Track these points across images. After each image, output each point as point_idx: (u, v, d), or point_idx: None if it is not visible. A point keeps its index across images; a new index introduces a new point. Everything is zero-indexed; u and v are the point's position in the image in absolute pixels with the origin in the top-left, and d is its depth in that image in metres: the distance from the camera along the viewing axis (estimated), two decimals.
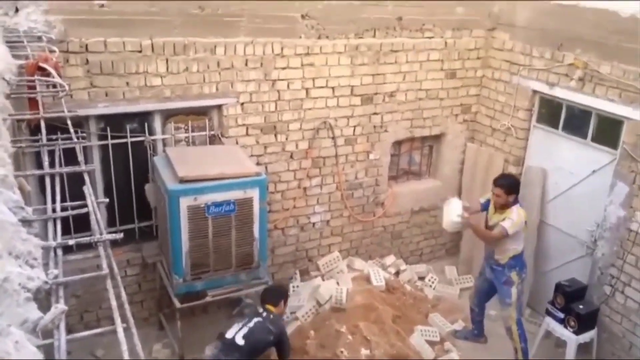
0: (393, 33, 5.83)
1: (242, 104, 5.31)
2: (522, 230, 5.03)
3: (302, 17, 5.32)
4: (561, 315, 5.29)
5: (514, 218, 4.91)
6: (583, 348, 5.29)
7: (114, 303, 2.36)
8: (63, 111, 3.24)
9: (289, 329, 5.05)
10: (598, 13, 5.22)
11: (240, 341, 4.08)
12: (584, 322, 5.18)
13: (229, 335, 4.15)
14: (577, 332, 5.17)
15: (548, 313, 5.43)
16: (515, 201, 5.01)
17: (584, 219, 5.53)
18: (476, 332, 5.70)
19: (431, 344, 5.38)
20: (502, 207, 5.00)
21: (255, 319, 4.24)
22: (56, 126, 3.83)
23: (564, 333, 5.26)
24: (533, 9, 5.86)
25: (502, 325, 5.35)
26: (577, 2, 5.44)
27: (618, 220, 5.13)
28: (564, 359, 5.24)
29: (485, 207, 5.24)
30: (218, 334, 4.27)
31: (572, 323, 5.19)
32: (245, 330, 4.14)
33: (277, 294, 4.55)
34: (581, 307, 5.22)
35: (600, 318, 5.31)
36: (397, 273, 6.40)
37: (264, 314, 4.31)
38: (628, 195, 5.03)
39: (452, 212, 5.11)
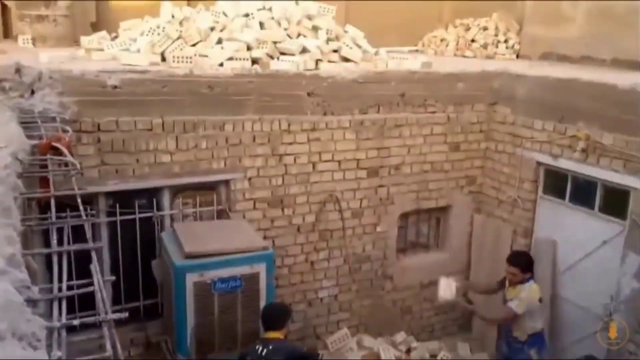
0: (396, 108, 5.97)
1: (250, 178, 5.37)
2: (537, 307, 4.93)
3: (308, 94, 5.48)
4: None
5: (522, 297, 4.84)
6: None
7: None
8: (73, 189, 3.28)
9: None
10: (597, 86, 5.34)
11: None
12: None
13: None
14: None
15: None
16: (531, 277, 4.94)
17: (598, 291, 5.40)
18: None
19: None
20: (518, 284, 4.93)
21: None
22: (65, 203, 3.88)
23: None
24: (532, 84, 6.01)
25: None
26: (576, 77, 5.59)
27: (632, 292, 5.01)
28: None
29: (501, 285, 5.18)
30: None
31: None
32: None
33: (280, 316, 4.25)
34: None
35: None
36: (409, 351, 6.20)
37: (265, 352, 3.98)
38: None
39: (446, 289, 5.13)
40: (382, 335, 6.33)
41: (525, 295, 4.82)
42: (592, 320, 5.49)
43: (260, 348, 4.06)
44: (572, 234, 5.69)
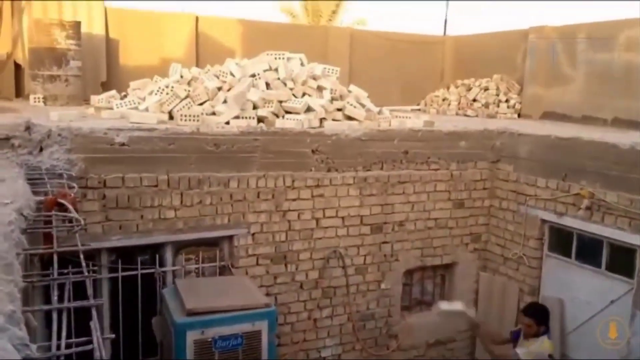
0: (400, 166, 6.03)
1: (253, 234, 5.38)
2: None
3: (313, 151, 5.56)
4: None
5: (532, 349, 4.70)
6: None
7: None
8: (76, 245, 3.29)
9: None
10: (598, 145, 5.40)
11: None
12: None
13: None
14: None
15: None
16: (546, 331, 4.83)
17: (608, 352, 5.27)
18: None
19: None
20: (533, 336, 4.81)
21: None
22: (68, 258, 3.88)
23: None
24: (534, 143, 6.08)
25: None
26: (576, 136, 5.66)
27: None
28: None
29: (515, 336, 5.05)
30: None
31: None
32: None
33: None
34: None
35: None
36: None
37: None
38: None
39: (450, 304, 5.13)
40: None
41: (535, 348, 4.69)
42: None
43: None
44: (579, 292, 5.61)
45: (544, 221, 5.94)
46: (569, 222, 5.62)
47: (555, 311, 5.75)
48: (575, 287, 5.66)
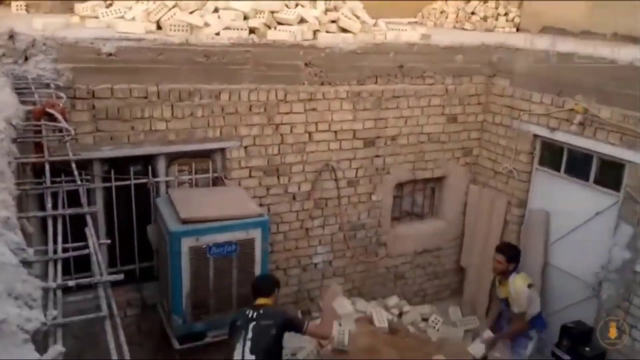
0: (394, 80, 5.96)
1: (246, 147, 5.41)
2: (533, 294, 5.06)
3: (306, 65, 5.47)
4: (567, 357, 5.22)
5: (513, 297, 5.04)
6: None
7: (112, 345, 2.38)
8: (67, 154, 3.32)
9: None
10: (596, 61, 5.32)
11: (250, 357, 3.88)
12: None
13: (237, 357, 3.93)
14: None
15: (554, 355, 5.36)
16: (514, 269, 5.06)
17: (589, 261, 5.51)
18: None
19: None
20: (501, 274, 5.04)
21: (251, 326, 3.99)
22: (60, 169, 3.92)
23: None
24: (531, 58, 5.99)
25: None
26: (575, 51, 5.56)
27: (623, 263, 5.10)
28: None
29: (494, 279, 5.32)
30: None
31: None
32: (248, 344, 3.92)
33: (269, 284, 4.33)
34: (587, 349, 5.16)
35: None
36: (401, 314, 6.34)
37: (255, 314, 4.05)
38: (632, 237, 5.01)
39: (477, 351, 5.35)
40: (375, 299, 6.47)
41: (514, 293, 4.99)
42: (582, 289, 5.61)
43: (250, 312, 4.12)
44: (566, 205, 5.76)
45: (536, 136, 5.97)
46: (560, 137, 5.66)
47: (541, 222, 5.94)
48: (562, 200, 5.79)
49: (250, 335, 3.97)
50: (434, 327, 6.35)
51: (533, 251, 5.93)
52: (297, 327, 4.18)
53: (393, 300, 6.49)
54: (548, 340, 5.66)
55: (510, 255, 5.03)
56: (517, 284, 4.98)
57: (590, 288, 5.52)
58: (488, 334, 5.29)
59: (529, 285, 5.10)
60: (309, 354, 5.36)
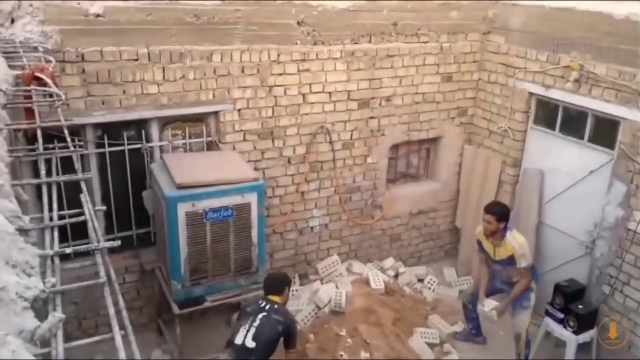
0: (389, 38, 5.86)
1: (239, 110, 5.34)
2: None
3: (298, 23, 5.35)
4: (560, 315, 5.30)
5: (520, 252, 4.89)
6: (583, 348, 5.30)
7: (111, 311, 2.38)
8: (59, 120, 3.26)
9: None
10: (592, 16, 5.25)
11: (251, 344, 3.96)
12: (584, 322, 5.19)
13: (238, 341, 4.01)
14: (577, 332, 5.18)
15: (547, 314, 5.45)
16: (505, 229, 4.99)
17: (582, 219, 5.55)
18: (474, 332, 5.70)
19: (431, 346, 5.39)
20: (493, 236, 4.97)
21: (260, 315, 4.07)
22: (53, 135, 3.86)
23: (564, 333, 5.27)
24: (527, 13, 5.89)
25: (501, 326, 5.35)
26: (571, 6, 5.47)
27: (616, 220, 5.15)
28: (564, 359, 5.25)
29: (481, 249, 5.23)
30: (226, 341, 4.18)
31: (572, 323, 5.20)
32: (252, 330, 4.00)
33: (280, 282, 4.36)
34: (580, 307, 5.24)
35: (599, 317, 5.32)
36: (396, 275, 6.42)
37: (267, 307, 4.13)
38: (626, 194, 5.04)
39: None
40: (371, 261, 6.53)
41: (520, 248, 4.87)
42: (576, 247, 5.67)
43: (264, 303, 4.19)
44: (560, 164, 5.76)
45: (531, 94, 5.93)
46: (556, 94, 5.63)
47: (535, 181, 5.96)
48: (557, 159, 5.80)
49: (257, 323, 4.04)
50: (430, 288, 6.44)
51: (527, 210, 5.97)
52: (292, 341, 4.22)
53: (389, 262, 6.55)
54: (541, 298, 5.76)
55: (500, 214, 4.95)
56: (519, 238, 4.93)
57: (583, 246, 5.59)
58: (494, 305, 5.15)
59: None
60: (307, 316, 5.43)
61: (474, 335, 5.72)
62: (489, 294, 5.36)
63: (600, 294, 5.34)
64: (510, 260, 4.94)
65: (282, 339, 4.17)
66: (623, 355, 5.20)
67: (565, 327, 5.26)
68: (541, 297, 5.78)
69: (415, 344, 5.32)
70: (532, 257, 5.16)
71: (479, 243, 5.18)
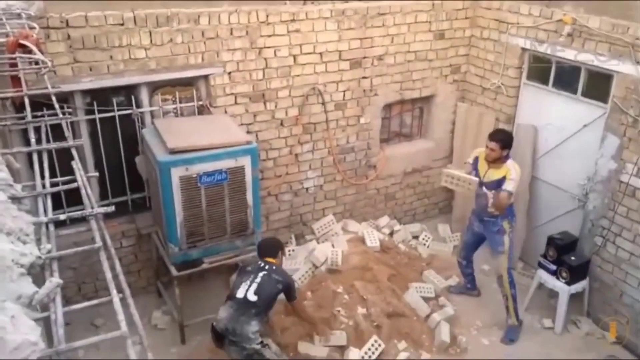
0: None
1: (229, 73, 5.28)
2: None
3: None
4: (553, 267, 5.40)
5: (514, 177, 4.93)
6: (575, 298, 5.42)
7: (108, 274, 2.41)
8: (47, 87, 3.23)
9: None
10: None
11: (253, 297, 4.14)
12: (576, 273, 5.29)
13: (239, 294, 4.18)
14: (569, 283, 5.29)
15: (540, 266, 5.55)
16: (507, 156, 5.04)
17: (576, 173, 5.59)
18: (469, 286, 5.83)
19: (426, 300, 5.51)
20: (495, 162, 5.01)
21: (261, 274, 4.27)
22: (42, 103, 3.83)
23: (556, 284, 5.38)
24: None
25: (494, 279, 5.46)
26: None
27: (609, 173, 5.19)
28: (557, 309, 5.39)
29: (474, 166, 5.26)
30: (227, 295, 4.34)
31: (564, 274, 5.31)
32: (254, 286, 4.19)
33: (273, 247, 4.55)
34: (573, 258, 5.33)
35: (591, 268, 5.43)
36: (392, 233, 6.49)
37: (267, 267, 4.34)
38: (619, 147, 5.07)
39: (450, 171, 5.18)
40: (366, 220, 6.60)
41: (515, 174, 4.93)
42: (569, 201, 5.73)
43: (263, 264, 4.40)
44: (554, 119, 5.76)
45: (524, 49, 5.87)
46: (549, 49, 5.57)
47: (529, 137, 5.97)
48: (549, 114, 5.79)
49: (258, 280, 4.25)
50: (424, 244, 6.53)
51: (520, 166, 5.97)
52: (292, 294, 4.46)
53: (384, 221, 6.62)
54: (535, 251, 5.86)
55: (503, 141, 4.99)
56: (517, 167, 5.00)
57: (576, 200, 5.65)
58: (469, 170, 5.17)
59: None
60: (304, 275, 5.51)
61: (469, 289, 5.85)
62: (469, 244, 5.59)
63: (592, 245, 5.43)
64: (498, 183, 4.97)
65: (282, 295, 4.41)
66: (615, 303, 5.33)
67: (557, 278, 5.37)
68: (534, 249, 5.88)
69: (410, 298, 5.44)
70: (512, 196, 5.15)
71: (476, 159, 5.22)
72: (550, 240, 5.48)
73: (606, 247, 5.32)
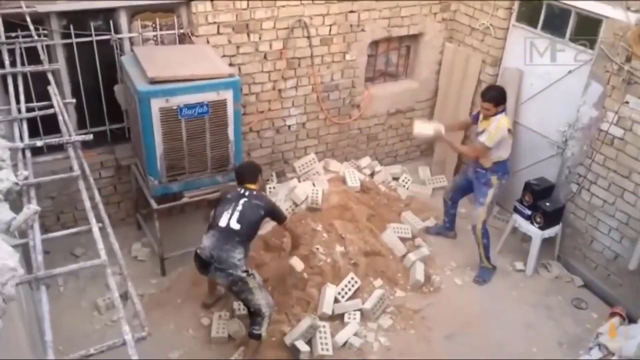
0: None
1: (212, 0, 5.07)
2: (507, 138, 5.12)
3: None
4: (528, 212, 5.51)
5: (491, 130, 5.00)
6: (547, 242, 5.58)
7: (87, 204, 2.37)
8: (21, 7, 3.06)
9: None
10: None
11: (235, 226, 4.17)
12: (550, 218, 5.41)
13: (222, 223, 4.19)
14: (543, 228, 5.42)
15: (516, 210, 5.66)
16: (503, 110, 5.06)
17: (557, 119, 5.62)
18: (448, 226, 5.94)
19: (403, 240, 5.61)
20: (488, 117, 5.08)
21: (242, 201, 4.27)
22: (16, 24, 3.65)
23: (530, 229, 5.51)
24: None
25: (469, 223, 5.58)
26: None
27: (590, 121, 5.22)
28: (529, 252, 5.55)
29: (475, 118, 5.31)
30: (209, 224, 4.35)
31: (538, 219, 5.43)
32: (236, 215, 4.20)
33: (252, 171, 4.53)
34: (548, 204, 5.44)
35: (565, 214, 5.56)
36: (372, 174, 6.52)
37: (247, 193, 4.33)
38: (601, 95, 5.07)
39: (423, 126, 5.34)
40: (348, 160, 6.60)
41: (494, 128, 4.98)
42: (548, 147, 5.79)
43: (243, 190, 4.38)
44: (540, 63, 5.71)
45: None
46: None
47: (513, 81, 5.93)
48: (536, 58, 5.73)
49: (240, 208, 4.25)
50: (404, 186, 6.58)
51: (506, 111, 5.98)
52: (279, 218, 4.52)
53: (365, 161, 6.62)
54: (511, 195, 5.96)
55: (496, 99, 5.01)
56: (502, 122, 5.02)
57: (555, 146, 5.70)
58: (441, 127, 5.31)
59: (509, 130, 5.18)
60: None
61: (447, 229, 5.96)
62: (459, 186, 5.67)
63: (568, 192, 5.54)
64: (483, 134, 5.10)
65: (267, 220, 4.48)
66: (585, 249, 5.50)
67: (532, 223, 5.49)
68: (511, 194, 5.98)
69: (388, 238, 5.53)
70: (506, 153, 5.23)
71: (477, 113, 5.35)
72: (527, 186, 5.56)
73: (581, 194, 5.42)
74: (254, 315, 4.27)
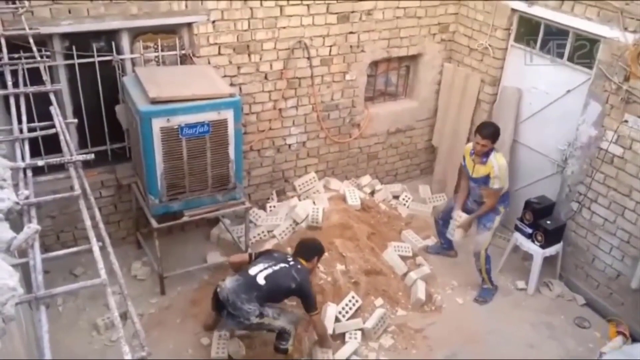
0: None
1: (214, 22, 5.13)
2: (508, 171, 5.17)
3: None
4: (529, 230, 5.50)
5: (497, 174, 5.02)
6: (548, 261, 5.56)
7: (88, 223, 2.38)
8: (24, 28, 3.11)
9: (266, 246, 5.16)
10: None
11: (261, 281, 4.09)
12: (551, 236, 5.40)
13: (252, 272, 4.15)
14: (544, 246, 5.41)
15: (517, 229, 5.65)
16: (492, 149, 5.10)
17: (556, 138, 5.64)
18: (445, 246, 5.92)
19: (404, 258, 5.59)
20: (480, 156, 5.06)
21: (282, 264, 4.22)
22: (19, 45, 3.69)
23: (531, 247, 5.50)
24: None
25: (472, 242, 5.55)
26: None
27: (589, 139, 5.24)
28: (530, 270, 5.52)
29: (464, 160, 5.33)
30: (238, 265, 4.33)
31: (539, 238, 5.42)
32: (269, 271, 4.15)
33: (311, 250, 4.47)
34: (549, 222, 5.43)
35: (566, 233, 5.54)
36: (373, 192, 6.52)
37: (292, 262, 4.29)
38: (600, 114, 5.10)
39: (459, 234, 5.44)
40: (348, 179, 6.61)
41: (498, 170, 4.99)
42: (548, 165, 5.80)
43: (290, 258, 4.37)
44: (538, 83, 5.76)
45: (514, 10, 5.80)
46: (538, 11, 5.52)
47: (513, 100, 5.97)
48: (535, 78, 5.78)
49: (276, 268, 4.20)
50: (404, 204, 6.58)
51: (503, 129, 5.98)
52: (309, 304, 4.29)
53: (365, 180, 6.64)
54: (512, 214, 5.95)
55: (494, 135, 5.05)
56: (500, 161, 5.05)
57: (555, 165, 5.71)
58: (462, 216, 5.37)
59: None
60: (284, 231, 5.53)
61: (446, 249, 5.94)
62: (462, 211, 5.55)
63: (568, 210, 5.53)
64: (486, 179, 5.08)
65: (298, 300, 4.36)
66: (586, 267, 5.48)
67: (533, 241, 5.48)
68: (512, 212, 5.97)
69: (389, 256, 5.51)
70: (508, 183, 5.27)
71: (464, 158, 5.32)
72: (528, 204, 5.56)
73: (581, 213, 5.42)
74: (280, 332, 4.24)
